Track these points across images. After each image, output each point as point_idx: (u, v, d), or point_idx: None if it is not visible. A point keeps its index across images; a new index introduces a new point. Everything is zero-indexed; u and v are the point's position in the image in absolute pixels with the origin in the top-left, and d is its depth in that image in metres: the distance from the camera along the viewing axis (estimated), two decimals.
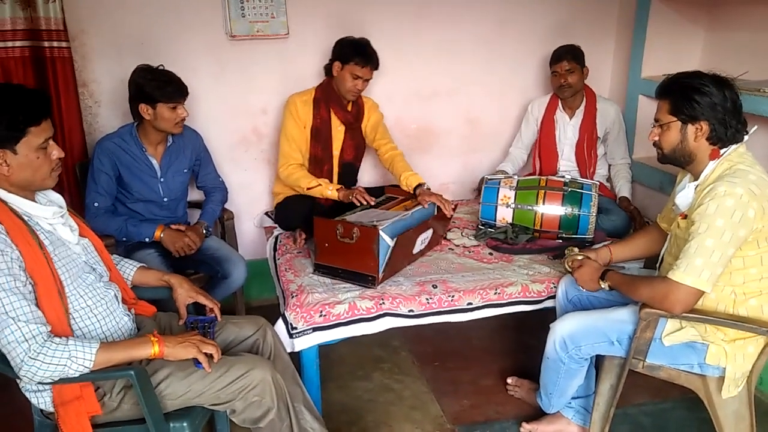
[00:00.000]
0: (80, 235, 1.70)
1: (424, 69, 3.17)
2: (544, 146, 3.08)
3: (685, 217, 1.80)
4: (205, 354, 1.59)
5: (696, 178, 1.80)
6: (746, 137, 1.76)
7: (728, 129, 1.72)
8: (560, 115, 3.04)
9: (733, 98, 1.72)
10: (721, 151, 1.75)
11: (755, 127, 1.80)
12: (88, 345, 1.47)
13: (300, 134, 2.67)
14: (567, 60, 2.86)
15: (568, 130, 3.02)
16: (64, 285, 1.56)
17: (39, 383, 1.50)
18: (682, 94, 1.73)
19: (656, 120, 1.82)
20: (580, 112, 3.00)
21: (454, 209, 2.53)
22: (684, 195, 1.81)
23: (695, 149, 1.77)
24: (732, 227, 1.62)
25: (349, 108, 2.73)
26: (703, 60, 3.07)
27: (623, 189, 2.97)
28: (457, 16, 3.13)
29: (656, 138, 1.83)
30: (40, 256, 1.50)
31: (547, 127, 3.06)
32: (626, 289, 1.86)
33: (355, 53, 2.56)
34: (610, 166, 3.10)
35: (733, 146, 1.75)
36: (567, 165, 3.05)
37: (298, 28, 2.89)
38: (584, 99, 3.00)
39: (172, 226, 2.49)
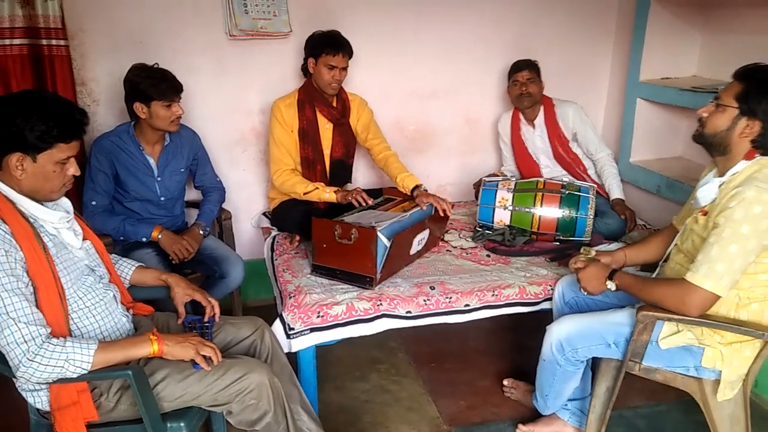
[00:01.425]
0: (83, 238, 1.70)
1: (423, 69, 3.17)
2: (521, 160, 3.12)
3: (705, 213, 1.77)
4: (203, 356, 1.59)
5: (721, 174, 1.78)
6: None
7: None
8: (525, 128, 3.07)
9: None
10: (757, 155, 1.72)
11: None
12: (86, 346, 1.47)
13: (289, 138, 2.65)
14: (528, 70, 2.92)
15: (536, 140, 3.04)
16: (65, 288, 1.56)
17: (37, 383, 1.50)
18: (759, 85, 1.68)
19: (716, 98, 1.76)
20: (540, 122, 3.01)
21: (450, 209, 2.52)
22: (707, 189, 1.78)
23: (735, 144, 1.73)
24: (758, 235, 1.60)
25: (334, 104, 2.72)
26: (701, 64, 3.09)
27: (614, 190, 2.93)
28: (457, 17, 3.13)
29: (705, 115, 1.77)
30: (43, 260, 1.51)
31: (516, 143, 3.10)
32: (637, 290, 1.82)
33: (325, 44, 2.56)
34: (594, 162, 3.08)
35: None
36: (550, 171, 3.05)
37: (298, 27, 2.88)
38: (542, 108, 3.01)
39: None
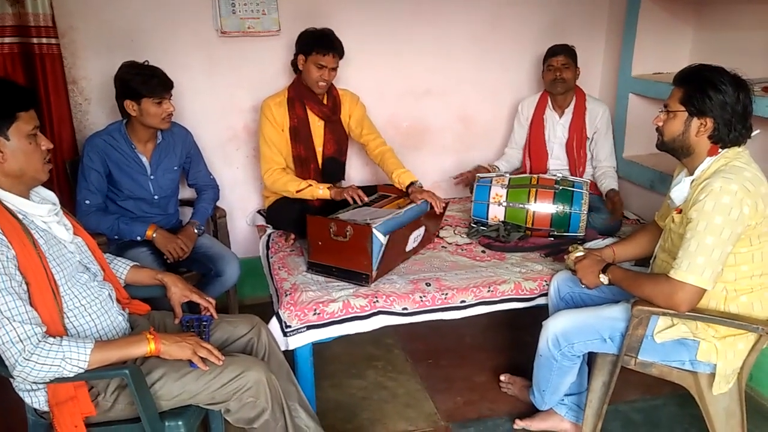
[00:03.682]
0: (74, 234, 1.69)
1: (418, 67, 3.17)
2: (534, 145, 3.08)
3: (680, 211, 1.80)
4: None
5: (691, 173, 1.82)
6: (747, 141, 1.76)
7: (731, 132, 1.72)
8: (550, 113, 3.04)
9: (745, 102, 1.71)
10: (719, 149, 1.76)
11: (758, 131, 1.80)
12: (83, 345, 1.46)
13: (279, 137, 2.64)
14: (564, 55, 2.89)
15: (557, 129, 3.03)
16: (59, 284, 1.55)
17: (33, 383, 1.50)
18: (698, 86, 1.72)
19: (665, 106, 1.82)
20: (569, 112, 3.00)
21: (445, 207, 2.52)
22: (679, 189, 1.83)
23: (695, 144, 1.77)
24: (731, 224, 1.63)
25: (325, 101, 2.70)
26: (692, 59, 3.09)
27: (611, 184, 2.93)
28: (450, 15, 3.13)
29: (660, 123, 1.83)
30: (34, 256, 1.49)
31: (536, 125, 3.07)
32: (628, 285, 1.85)
33: (315, 43, 2.54)
34: (594, 167, 3.08)
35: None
36: (557, 164, 3.06)
37: (289, 25, 2.87)
38: (574, 98, 3.00)
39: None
